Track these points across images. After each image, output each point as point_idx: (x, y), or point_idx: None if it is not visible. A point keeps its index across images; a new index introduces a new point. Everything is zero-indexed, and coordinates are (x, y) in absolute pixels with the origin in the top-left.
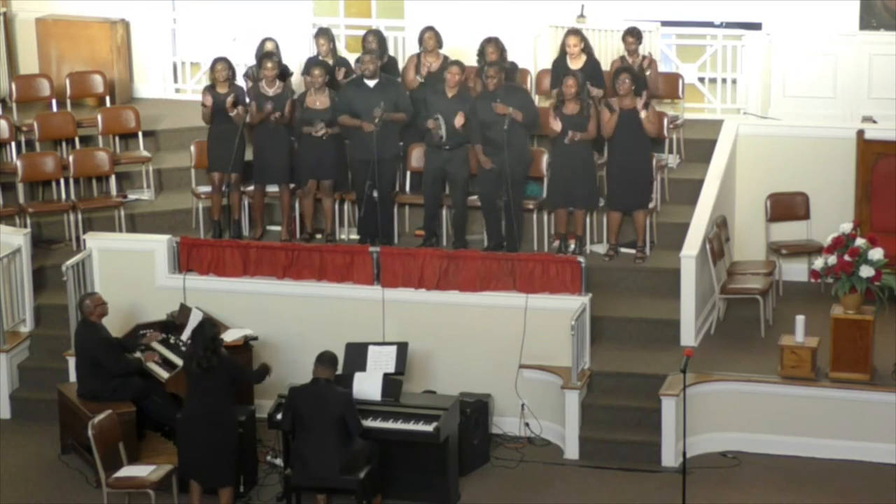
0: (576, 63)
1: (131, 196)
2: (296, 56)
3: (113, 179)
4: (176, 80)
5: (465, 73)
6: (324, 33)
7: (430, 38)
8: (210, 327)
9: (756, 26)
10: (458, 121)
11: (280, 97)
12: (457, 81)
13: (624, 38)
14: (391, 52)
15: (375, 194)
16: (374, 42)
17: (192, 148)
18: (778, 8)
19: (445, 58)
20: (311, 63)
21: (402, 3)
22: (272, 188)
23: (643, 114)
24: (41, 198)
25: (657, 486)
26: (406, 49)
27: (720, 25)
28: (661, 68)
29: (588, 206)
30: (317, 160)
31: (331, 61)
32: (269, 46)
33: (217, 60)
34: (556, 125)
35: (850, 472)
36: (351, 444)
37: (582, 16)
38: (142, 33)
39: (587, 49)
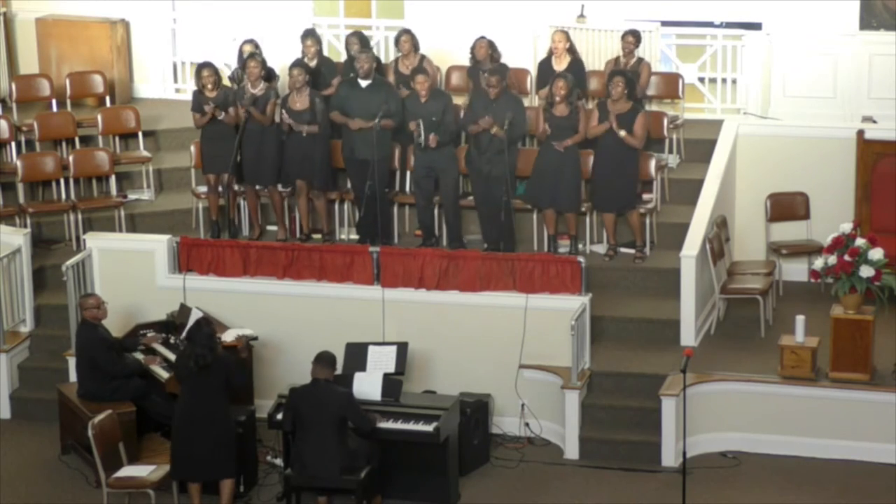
0: (560, 63)
1: (131, 196)
2: (296, 57)
3: (113, 179)
4: (176, 80)
5: (432, 79)
6: (310, 35)
7: (406, 42)
8: (207, 325)
9: (756, 26)
10: (432, 142)
11: (263, 97)
12: (426, 88)
13: (623, 38)
14: (392, 53)
15: (367, 189)
16: (357, 44)
17: (192, 148)
18: (778, 8)
19: (422, 58)
20: (291, 64)
21: (402, 3)
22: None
23: (622, 133)
24: (41, 198)
25: (657, 486)
26: None
27: (720, 25)
28: (662, 68)
29: (568, 209)
30: (300, 160)
31: (314, 63)
32: (247, 49)
33: (202, 66)
34: (545, 127)
35: (850, 472)
36: (351, 443)
37: (582, 16)
38: (142, 33)
39: (572, 49)
